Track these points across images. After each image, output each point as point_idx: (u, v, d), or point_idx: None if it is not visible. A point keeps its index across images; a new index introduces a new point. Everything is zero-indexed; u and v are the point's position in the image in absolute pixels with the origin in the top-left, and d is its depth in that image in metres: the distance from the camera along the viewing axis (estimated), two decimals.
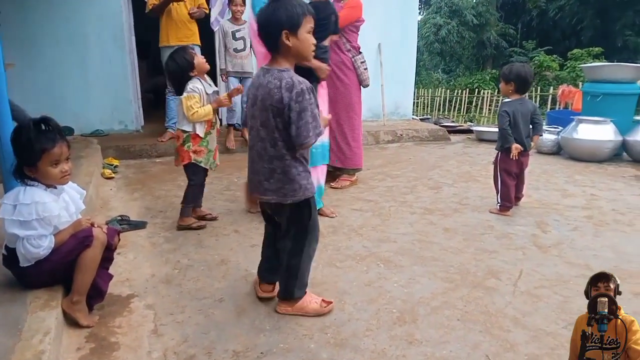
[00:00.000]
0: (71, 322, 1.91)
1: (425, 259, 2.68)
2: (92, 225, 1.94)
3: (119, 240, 2.16)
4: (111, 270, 2.13)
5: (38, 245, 1.79)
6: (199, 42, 5.32)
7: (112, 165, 4.60)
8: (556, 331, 1.95)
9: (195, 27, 5.29)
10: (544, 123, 6.48)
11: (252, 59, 5.05)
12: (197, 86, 2.99)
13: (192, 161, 3.05)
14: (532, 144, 3.56)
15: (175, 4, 5.05)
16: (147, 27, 5.71)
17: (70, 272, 1.89)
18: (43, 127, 1.83)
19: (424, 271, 2.52)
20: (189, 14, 5.11)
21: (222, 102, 3.11)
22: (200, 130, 3.02)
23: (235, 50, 5.11)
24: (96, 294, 2.00)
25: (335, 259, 2.65)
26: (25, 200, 1.77)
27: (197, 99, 2.95)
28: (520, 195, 3.68)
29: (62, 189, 1.95)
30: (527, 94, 3.67)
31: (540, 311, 2.12)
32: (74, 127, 5.52)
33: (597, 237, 3.04)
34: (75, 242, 1.87)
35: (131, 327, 1.96)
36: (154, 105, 7.62)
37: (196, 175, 3.15)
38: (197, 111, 2.92)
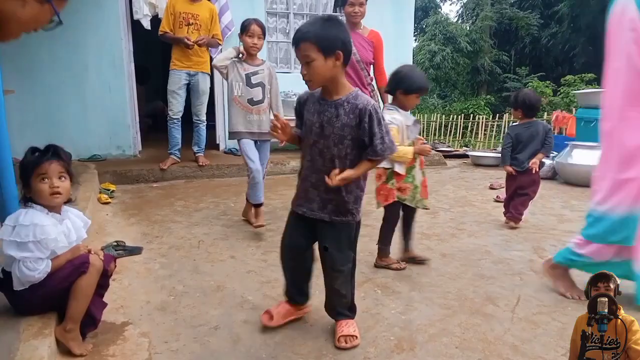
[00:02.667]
0: (64, 350, 1.87)
1: (423, 284, 2.67)
2: (90, 251, 1.93)
3: (115, 266, 2.14)
4: (106, 297, 2.11)
5: (34, 268, 1.78)
6: (209, 71, 5.33)
7: (108, 190, 4.59)
8: (555, 359, 1.93)
9: (206, 55, 5.29)
10: None
11: (269, 114, 3.60)
12: (396, 116, 2.63)
13: (396, 199, 2.75)
14: (534, 160, 3.67)
15: (187, 30, 5.03)
16: (146, 52, 5.79)
17: (64, 299, 1.86)
18: (43, 149, 1.88)
19: (422, 297, 2.50)
20: (195, 41, 5.00)
21: (425, 150, 2.72)
22: (399, 168, 2.69)
23: (251, 101, 3.51)
24: (89, 322, 1.97)
25: None
26: (25, 221, 1.77)
27: (394, 131, 2.54)
28: (516, 214, 3.74)
29: (67, 215, 1.95)
30: (535, 118, 3.90)
31: (539, 338, 2.10)
32: (71, 152, 5.49)
33: None
34: (71, 268, 1.85)
35: (125, 356, 1.93)
36: (153, 129, 7.66)
37: (394, 215, 2.84)
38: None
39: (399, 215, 2.90)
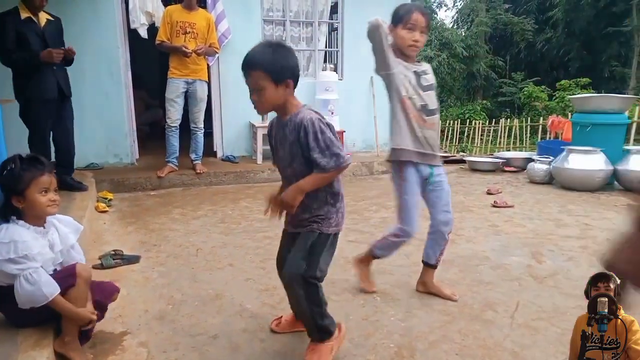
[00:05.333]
0: None
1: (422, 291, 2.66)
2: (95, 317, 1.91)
3: (118, 293, 2.15)
4: None
5: (34, 280, 1.74)
6: (206, 78, 5.37)
7: (106, 198, 4.58)
8: None
9: (204, 63, 5.33)
10: (535, 153, 6.61)
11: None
12: None
13: None
14: None
15: (184, 39, 5.06)
16: (143, 60, 5.74)
17: (58, 312, 1.83)
18: (32, 160, 1.86)
19: (421, 304, 2.50)
20: (194, 50, 5.05)
21: None
22: None
23: (425, 109, 2.38)
24: (82, 336, 1.93)
25: (331, 292, 2.62)
26: (4, 239, 1.74)
27: None
28: None
29: (51, 225, 1.92)
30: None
31: (539, 344, 2.10)
32: None
33: (593, 268, 3.03)
34: (59, 281, 1.81)
35: None
36: (150, 137, 7.66)
37: None
38: None
39: None
